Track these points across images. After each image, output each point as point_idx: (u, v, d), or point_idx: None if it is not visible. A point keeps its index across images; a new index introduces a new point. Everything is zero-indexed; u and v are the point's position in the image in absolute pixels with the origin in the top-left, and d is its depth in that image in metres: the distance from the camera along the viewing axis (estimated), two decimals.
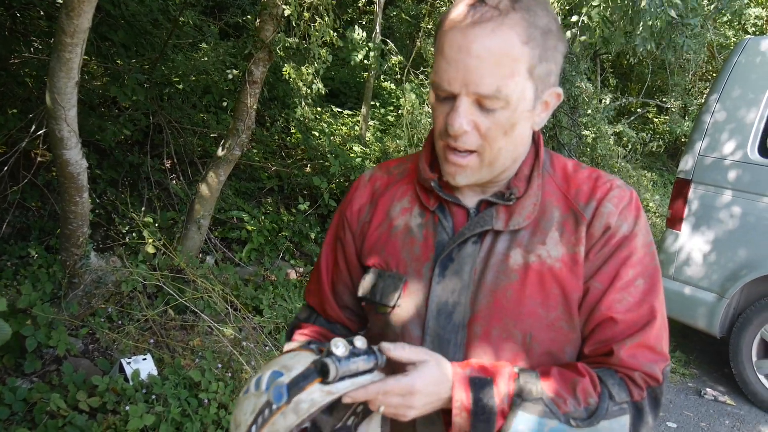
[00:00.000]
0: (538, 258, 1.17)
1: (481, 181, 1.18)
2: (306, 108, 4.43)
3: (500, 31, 1.04)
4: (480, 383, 1.09)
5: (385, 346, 1.07)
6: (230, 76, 6.12)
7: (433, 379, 1.07)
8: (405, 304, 1.23)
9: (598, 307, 1.16)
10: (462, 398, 1.07)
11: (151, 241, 4.19)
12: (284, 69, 4.17)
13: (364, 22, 8.49)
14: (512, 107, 1.08)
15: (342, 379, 1.02)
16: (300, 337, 1.42)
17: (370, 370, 1.06)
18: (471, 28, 1.05)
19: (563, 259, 1.16)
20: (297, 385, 1.01)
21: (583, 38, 4.34)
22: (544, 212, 1.20)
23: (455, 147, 1.12)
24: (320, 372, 1.01)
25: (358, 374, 1.05)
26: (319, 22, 4.06)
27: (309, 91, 4.20)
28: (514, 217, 1.18)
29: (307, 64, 4.12)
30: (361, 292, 1.32)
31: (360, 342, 1.03)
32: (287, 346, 1.19)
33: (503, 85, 1.05)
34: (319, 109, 7.54)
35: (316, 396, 1.00)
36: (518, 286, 1.16)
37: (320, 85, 4.25)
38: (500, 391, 1.09)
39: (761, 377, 4.35)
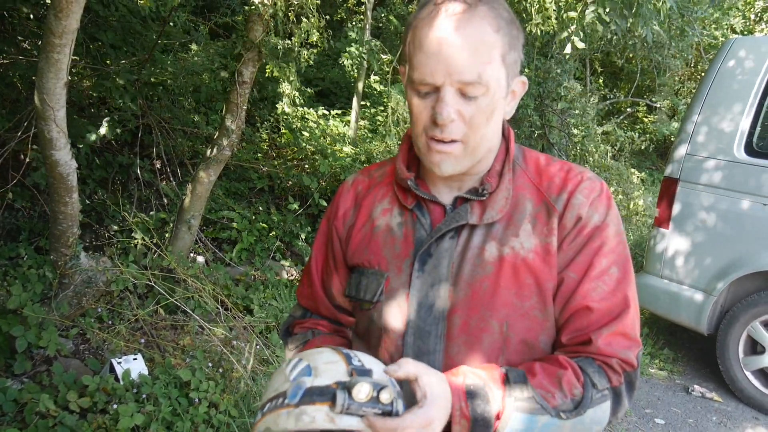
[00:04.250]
0: (511, 250, 1.21)
1: (463, 170, 1.22)
2: (287, 104, 4.42)
3: (474, 21, 1.11)
4: (475, 390, 1.11)
5: (392, 368, 1.08)
6: (222, 75, 6.12)
7: (444, 403, 1.08)
8: (387, 300, 1.28)
9: (574, 297, 1.20)
10: (462, 407, 1.09)
11: (141, 238, 4.19)
12: (267, 67, 4.15)
13: (353, 23, 8.50)
14: (491, 93, 1.14)
15: (351, 414, 1.02)
16: (300, 329, 1.49)
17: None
18: (447, 21, 1.11)
19: (536, 250, 1.21)
20: (311, 395, 1.03)
21: (581, 45, 4.35)
22: (517, 205, 1.25)
23: (441, 138, 1.16)
24: (333, 397, 1.02)
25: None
26: (305, 22, 4.06)
27: (291, 89, 4.18)
28: (488, 211, 1.23)
29: (290, 64, 4.10)
30: (346, 291, 1.38)
31: (386, 395, 1.03)
32: (316, 349, 1.17)
33: (483, 71, 1.11)
34: (309, 109, 7.54)
35: (319, 416, 1.01)
36: (493, 278, 1.21)
37: (297, 84, 4.23)
38: (494, 395, 1.11)
39: (748, 374, 4.39)
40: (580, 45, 4.37)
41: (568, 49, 4.47)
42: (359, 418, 1.02)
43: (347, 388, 1.02)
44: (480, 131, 1.16)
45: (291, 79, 4.16)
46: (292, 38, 4.05)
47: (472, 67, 1.10)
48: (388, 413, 1.03)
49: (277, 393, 1.09)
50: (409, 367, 1.08)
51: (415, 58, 1.14)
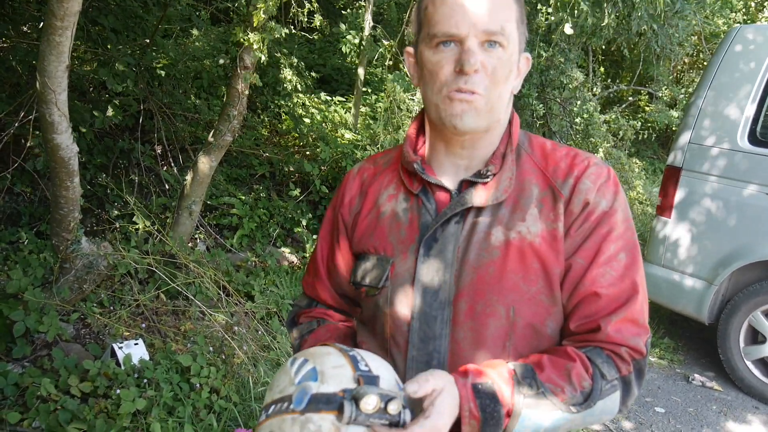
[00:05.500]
0: (518, 234, 1.21)
1: (481, 128, 1.21)
2: (256, 76, 4.36)
3: None
4: (483, 389, 1.11)
5: (411, 389, 1.06)
6: (221, 62, 6.09)
7: (450, 409, 1.08)
8: (392, 285, 1.28)
9: (582, 283, 1.20)
10: (471, 407, 1.09)
11: (142, 226, 4.18)
12: (234, 30, 4.08)
13: (354, 9, 8.45)
14: (510, 51, 1.17)
15: (358, 425, 1.02)
16: (306, 318, 1.49)
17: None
18: None
19: (542, 235, 1.21)
20: (317, 403, 1.03)
21: (570, 30, 4.33)
22: (523, 189, 1.24)
23: (465, 89, 1.16)
24: (340, 407, 1.01)
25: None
26: None
27: (258, 50, 4.07)
28: (492, 192, 1.23)
29: (255, 33, 4.02)
30: (351, 278, 1.37)
31: (393, 407, 1.02)
32: (322, 348, 1.16)
33: (505, 23, 1.15)
34: (311, 96, 7.51)
35: (325, 425, 1.01)
36: (500, 262, 1.20)
37: (263, 56, 4.14)
38: (504, 394, 1.11)
39: (748, 363, 4.39)
40: (569, 31, 4.36)
41: (568, 29, 4.44)
42: (365, 428, 1.02)
43: (355, 398, 1.01)
44: (499, 87, 1.18)
45: (256, 47, 4.05)
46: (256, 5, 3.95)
47: (496, 17, 1.13)
48: (395, 424, 1.03)
49: (282, 395, 1.08)
50: (428, 385, 1.07)
51: (437, 13, 1.16)
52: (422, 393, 1.06)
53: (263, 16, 3.88)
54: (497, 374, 1.13)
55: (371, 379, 1.06)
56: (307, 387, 1.05)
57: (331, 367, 1.08)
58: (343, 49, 5.84)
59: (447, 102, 1.18)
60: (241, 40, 4.02)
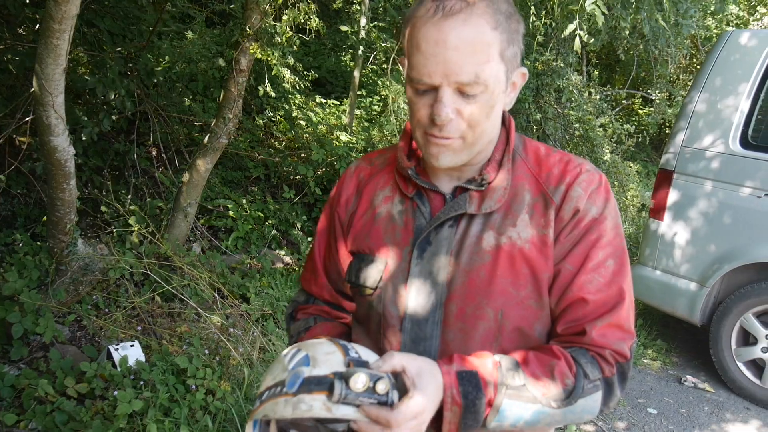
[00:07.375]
0: (509, 240, 1.23)
1: (461, 163, 1.23)
2: (269, 87, 4.40)
3: (471, 21, 1.10)
4: (467, 377, 1.13)
5: (376, 364, 1.09)
6: (219, 63, 6.09)
7: (433, 390, 1.10)
8: (386, 286, 1.30)
9: (570, 288, 1.22)
10: (453, 393, 1.11)
11: (137, 228, 4.19)
12: (251, 48, 4.11)
13: (351, 13, 8.47)
14: (490, 90, 1.14)
15: (348, 404, 1.05)
16: (303, 315, 1.51)
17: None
18: (444, 21, 1.10)
19: (533, 241, 1.22)
20: (309, 384, 1.06)
21: (587, 38, 4.30)
22: (515, 195, 1.26)
23: (441, 136, 1.16)
24: (330, 387, 1.04)
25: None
26: (296, 9, 4.04)
27: (275, 71, 4.13)
28: (486, 201, 1.25)
29: (272, 49, 4.07)
30: (347, 277, 1.39)
31: (382, 386, 1.05)
32: (315, 339, 1.19)
33: (480, 71, 1.11)
34: (307, 98, 7.53)
35: (316, 405, 1.04)
36: (490, 267, 1.22)
37: (280, 69, 4.19)
38: (486, 383, 1.13)
39: (740, 365, 4.43)
40: (588, 39, 4.32)
41: (577, 44, 4.42)
42: (355, 408, 1.05)
43: (344, 378, 1.04)
44: (479, 128, 1.17)
45: (274, 62, 4.11)
46: (281, 20, 4.01)
47: (469, 68, 1.10)
48: (384, 403, 1.06)
49: (275, 381, 1.11)
50: (393, 360, 1.10)
51: (413, 58, 1.14)
52: (387, 367, 1.09)
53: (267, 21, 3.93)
54: (482, 364, 1.16)
55: (361, 364, 1.09)
56: (299, 371, 1.08)
57: (323, 354, 1.11)
58: (342, 27, 5.85)
59: (425, 141, 1.20)
60: (258, 55, 4.05)
